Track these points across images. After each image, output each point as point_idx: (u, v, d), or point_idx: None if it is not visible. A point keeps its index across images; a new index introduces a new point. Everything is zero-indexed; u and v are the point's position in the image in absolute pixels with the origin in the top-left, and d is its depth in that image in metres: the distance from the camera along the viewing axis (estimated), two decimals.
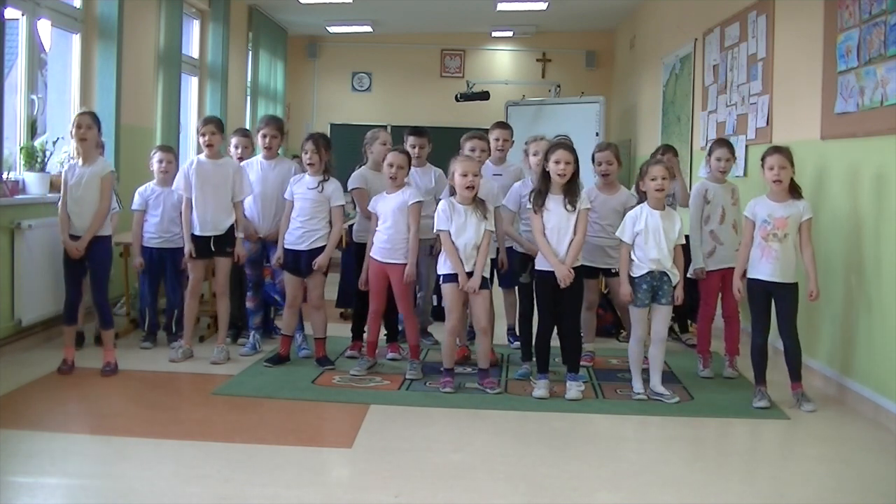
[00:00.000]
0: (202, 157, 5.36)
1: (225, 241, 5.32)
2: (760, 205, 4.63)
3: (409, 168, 5.17)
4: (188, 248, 5.33)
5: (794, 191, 4.61)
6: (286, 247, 5.20)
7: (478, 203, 4.76)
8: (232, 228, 5.34)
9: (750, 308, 4.71)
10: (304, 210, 5.17)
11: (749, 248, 4.66)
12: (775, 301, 4.60)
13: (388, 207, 5.01)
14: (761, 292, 4.61)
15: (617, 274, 4.97)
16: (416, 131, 5.69)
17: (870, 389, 4.51)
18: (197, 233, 5.31)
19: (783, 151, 4.59)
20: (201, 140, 5.32)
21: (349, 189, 5.48)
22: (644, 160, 5.64)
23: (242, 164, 5.54)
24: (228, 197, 5.31)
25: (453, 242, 4.72)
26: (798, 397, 4.60)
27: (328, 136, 5.43)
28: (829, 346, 4.99)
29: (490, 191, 5.22)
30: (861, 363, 4.64)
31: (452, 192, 4.80)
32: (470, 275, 4.72)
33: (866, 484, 3.66)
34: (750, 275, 4.64)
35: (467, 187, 4.69)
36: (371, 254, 5.08)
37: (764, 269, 4.57)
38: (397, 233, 5.00)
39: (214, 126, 5.33)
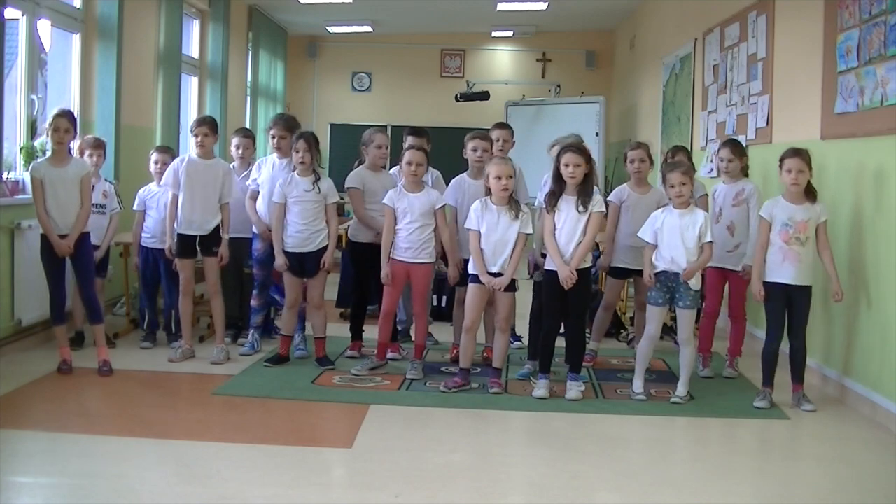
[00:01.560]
0: (194, 155, 5.36)
1: (210, 241, 5.30)
2: (779, 207, 4.58)
3: (427, 165, 5.16)
4: (168, 244, 5.36)
5: (810, 193, 4.58)
6: (289, 250, 5.16)
7: (512, 203, 4.76)
8: (218, 229, 5.31)
9: (767, 312, 4.66)
10: (306, 212, 5.13)
11: (765, 251, 4.60)
12: (790, 304, 4.58)
13: (415, 207, 4.98)
14: (781, 296, 4.57)
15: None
16: (416, 131, 5.69)
17: (869, 389, 4.51)
18: (182, 231, 5.31)
19: (802, 154, 4.54)
20: (194, 140, 5.32)
21: (346, 188, 5.46)
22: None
23: (258, 161, 5.53)
24: (216, 198, 5.30)
25: (479, 242, 4.74)
26: (798, 398, 4.60)
27: (316, 134, 5.40)
28: (828, 345, 4.99)
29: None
30: (861, 363, 4.64)
31: (488, 193, 4.79)
32: (497, 275, 4.72)
33: (866, 484, 3.66)
34: (770, 279, 4.58)
35: (503, 189, 4.70)
36: (395, 255, 5.02)
37: (786, 272, 4.53)
38: (424, 233, 5.00)
39: (208, 127, 5.33)
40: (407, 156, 5.04)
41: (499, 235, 4.73)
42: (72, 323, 5.39)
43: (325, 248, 5.18)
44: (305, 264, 5.18)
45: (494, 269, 4.74)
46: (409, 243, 4.99)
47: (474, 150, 5.36)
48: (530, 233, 4.85)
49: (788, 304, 4.59)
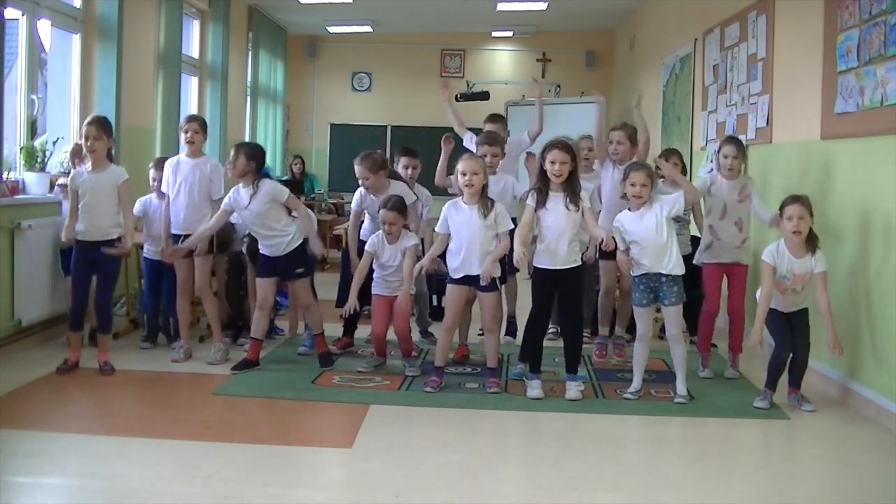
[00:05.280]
0: (182, 155, 5.35)
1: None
2: (779, 257, 4.52)
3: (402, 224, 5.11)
4: (163, 245, 5.35)
5: (811, 241, 4.50)
6: (262, 252, 5.14)
7: (483, 202, 4.70)
8: None
9: (770, 331, 4.64)
10: (260, 226, 5.07)
11: (769, 300, 4.54)
12: (791, 324, 4.60)
13: (392, 254, 5.06)
14: (781, 320, 4.60)
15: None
16: (409, 152, 5.73)
17: (873, 391, 4.49)
18: (173, 231, 5.30)
19: (802, 200, 4.48)
20: (183, 136, 5.30)
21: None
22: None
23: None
24: (204, 196, 5.27)
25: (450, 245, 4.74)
26: (796, 399, 4.60)
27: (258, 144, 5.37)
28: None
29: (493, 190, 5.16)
30: (865, 365, 4.62)
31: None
32: (471, 278, 4.70)
33: (866, 484, 3.66)
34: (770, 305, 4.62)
35: (466, 185, 4.66)
36: (377, 291, 5.12)
37: (783, 305, 4.59)
38: (400, 272, 5.04)
39: (198, 124, 5.33)
40: (388, 216, 4.99)
41: (469, 234, 4.67)
42: None
43: (295, 250, 5.12)
44: (277, 266, 5.15)
45: (473, 272, 4.67)
46: (390, 282, 5.06)
47: (483, 156, 5.29)
48: (502, 231, 4.71)
49: (789, 324, 4.61)
